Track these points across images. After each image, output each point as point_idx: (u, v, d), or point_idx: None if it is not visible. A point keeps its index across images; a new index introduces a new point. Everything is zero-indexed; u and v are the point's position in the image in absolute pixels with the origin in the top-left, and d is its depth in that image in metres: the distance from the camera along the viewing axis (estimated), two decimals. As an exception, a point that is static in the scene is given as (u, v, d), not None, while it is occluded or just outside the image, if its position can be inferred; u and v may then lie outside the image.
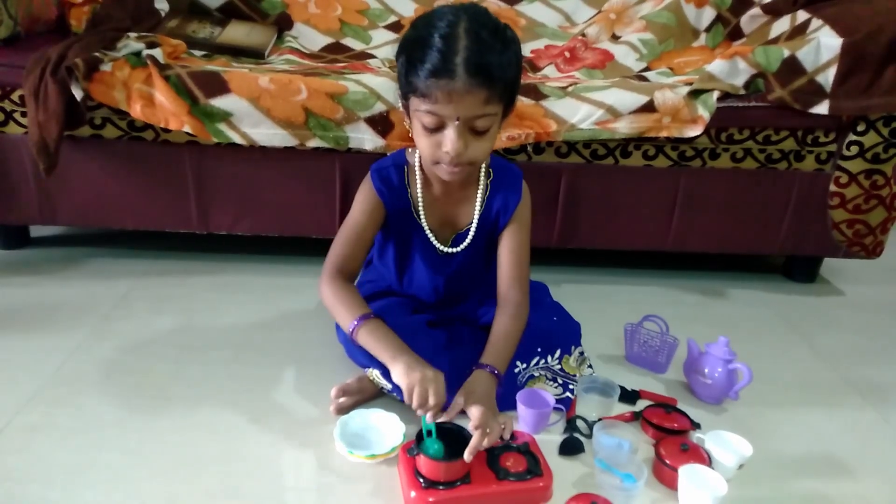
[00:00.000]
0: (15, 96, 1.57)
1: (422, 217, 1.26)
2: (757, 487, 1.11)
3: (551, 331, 1.32)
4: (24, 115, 1.57)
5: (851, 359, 1.54)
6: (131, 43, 1.59)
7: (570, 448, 1.16)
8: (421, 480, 1.01)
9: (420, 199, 1.24)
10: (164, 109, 1.52)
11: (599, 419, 1.21)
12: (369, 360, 1.21)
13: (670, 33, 2.01)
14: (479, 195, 1.26)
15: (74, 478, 1.05)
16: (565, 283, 1.80)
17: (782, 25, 1.77)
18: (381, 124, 1.56)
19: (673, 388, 1.38)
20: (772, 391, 1.38)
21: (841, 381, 1.45)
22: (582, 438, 1.18)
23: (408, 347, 1.12)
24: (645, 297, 1.78)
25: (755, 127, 1.64)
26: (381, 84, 1.56)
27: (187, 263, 1.80)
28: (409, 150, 1.28)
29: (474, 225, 1.26)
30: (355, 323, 1.14)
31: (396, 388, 1.21)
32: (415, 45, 1.05)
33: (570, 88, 1.63)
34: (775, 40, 1.75)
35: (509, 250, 1.27)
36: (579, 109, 1.59)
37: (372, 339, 1.13)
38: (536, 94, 1.60)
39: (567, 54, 2.03)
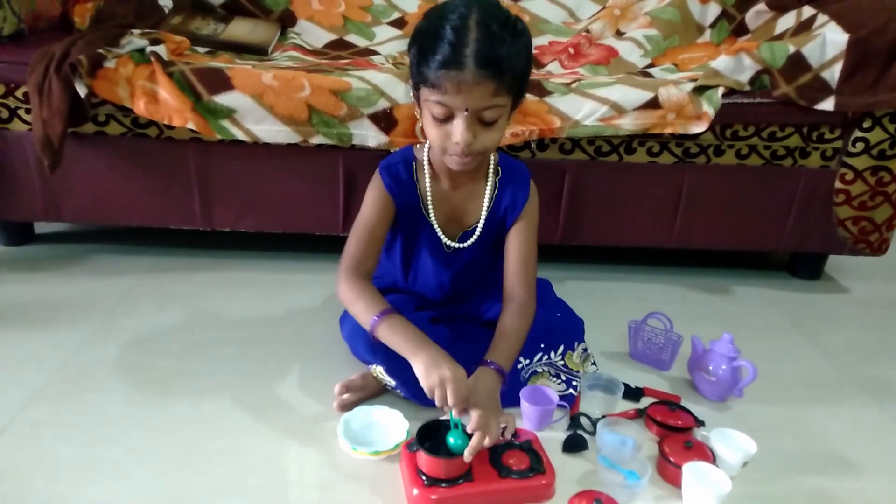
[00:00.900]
0: (19, 93, 1.57)
1: (430, 212, 1.25)
2: (761, 485, 1.10)
3: (555, 327, 1.32)
4: (28, 111, 1.58)
5: (856, 356, 1.53)
6: (135, 40, 1.59)
7: (574, 445, 1.16)
8: (423, 478, 1.01)
9: (429, 195, 1.24)
10: (168, 106, 1.52)
11: (603, 416, 1.21)
12: (373, 356, 1.21)
13: (675, 29, 2.00)
14: (487, 192, 1.25)
15: (79, 473, 1.05)
16: (569, 279, 1.79)
17: (787, 21, 1.76)
18: (385, 121, 1.56)
19: (677, 385, 1.38)
20: (776, 388, 1.37)
21: (846, 379, 1.44)
22: (585, 435, 1.18)
23: (429, 340, 1.10)
24: (649, 294, 1.78)
25: (760, 123, 1.63)
26: (384, 81, 1.56)
27: (191, 260, 1.80)
28: (417, 146, 1.28)
29: (482, 221, 1.26)
30: (375, 319, 1.13)
31: (400, 384, 1.22)
32: (426, 36, 1.05)
33: (574, 85, 1.62)
34: (780, 36, 1.74)
35: (516, 248, 1.27)
36: (583, 106, 1.58)
37: (392, 335, 1.12)
38: (540, 90, 1.60)
39: (571, 50, 2.02)
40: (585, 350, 1.36)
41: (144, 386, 1.27)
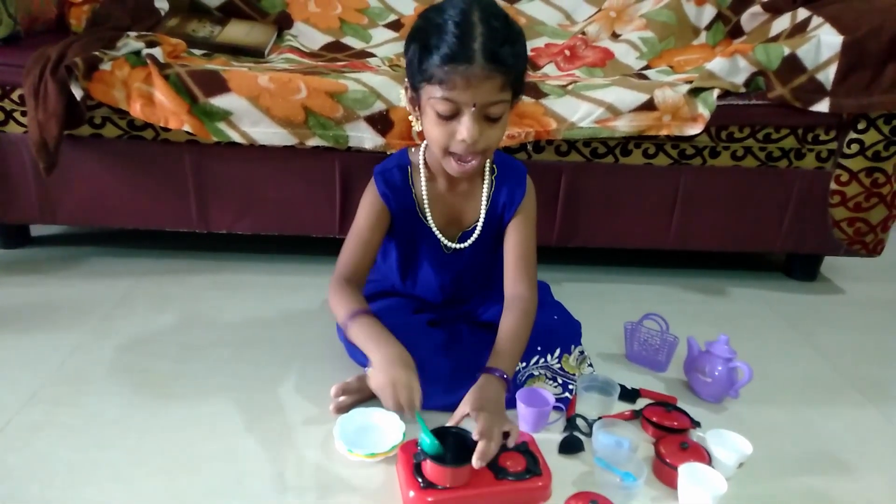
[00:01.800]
0: (15, 95, 1.57)
1: (427, 216, 1.25)
2: (757, 486, 1.11)
3: (551, 330, 1.32)
4: (23, 114, 1.58)
5: (852, 357, 1.54)
6: (131, 42, 1.59)
7: (570, 447, 1.16)
8: (420, 480, 1.01)
9: (425, 198, 1.24)
10: (164, 108, 1.52)
11: (599, 418, 1.21)
12: (368, 358, 1.21)
13: (670, 31, 2.01)
14: (484, 190, 1.25)
15: (76, 476, 1.05)
16: (565, 281, 1.80)
17: (783, 23, 1.77)
18: (381, 123, 1.56)
19: (673, 386, 1.38)
20: (772, 389, 1.38)
21: (841, 380, 1.45)
22: (582, 437, 1.18)
23: (393, 341, 1.11)
24: (645, 296, 1.78)
25: (755, 125, 1.63)
26: (381, 83, 1.56)
27: (188, 262, 1.80)
28: (412, 149, 1.27)
29: (481, 220, 1.26)
30: (348, 319, 1.15)
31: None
32: (428, 32, 1.04)
33: (570, 87, 1.62)
34: (776, 38, 1.75)
35: (515, 244, 1.26)
36: (579, 108, 1.59)
37: (359, 334, 1.13)
38: (536, 92, 1.60)
39: (567, 52, 2.03)
40: (582, 353, 1.36)
41: (141, 388, 1.27)
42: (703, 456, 1.10)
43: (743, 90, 1.62)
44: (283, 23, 2.10)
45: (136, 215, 1.71)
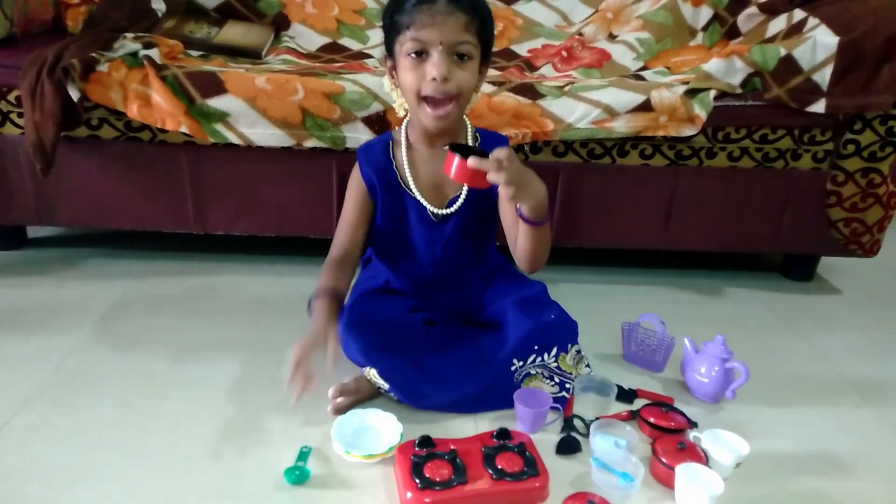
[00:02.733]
0: (11, 97, 1.57)
1: (410, 183, 1.29)
2: (754, 486, 1.11)
3: (548, 328, 1.32)
4: (20, 115, 1.57)
5: (849, 357, 1.54)
6: (128, 43, 1.59)
7: (568, 447, 1.16)
8: (417, 481, 1.01)
9: (406, 168, 1.28)
10: (161, 110, 1.52)
11: (596, 418, 1.21)
12: (366, 358, 1.22)
13: (667, 32, 2.01)
14: None
15: (73, 477, 1.05)
16: (563, 282, 1.80)
17: (779, 24, 1.77)
18: (378, 124, 1.56)
19: (670, 386, 1.38)
20: (769, 389, 1.38)
21: (838, 380, 1.45)
22: (579, 437, 1.19)
23: (324, 318, 1.18)
24: (642, 296, 1.78)
25: (752, 126, 1.64)
26: (378, 84, 1.56)
27: (185, 264, 1.80)
28: (396, 128, 1.34)
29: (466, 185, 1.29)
30: (314, 296, 1.22)
31: (393, 387, 1.22)
32: None
33: (567, 88, 1.63)
34: (772, 39, 1.75)
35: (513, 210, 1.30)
36: (576, 109, 1.59)
37: (314, 311, 1.20)
38: (533, 93, 1.60)
39: (564, 53, 2.03)
40: (579, 352, 1.36)
41: (138, 390, 1.27)
42: (700, 456, 1.10)
43: (739, 91, 1.62)
44: (281, 24, 2.09)
45: (133, 217, 1.71)
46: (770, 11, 1.85)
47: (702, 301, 1.79)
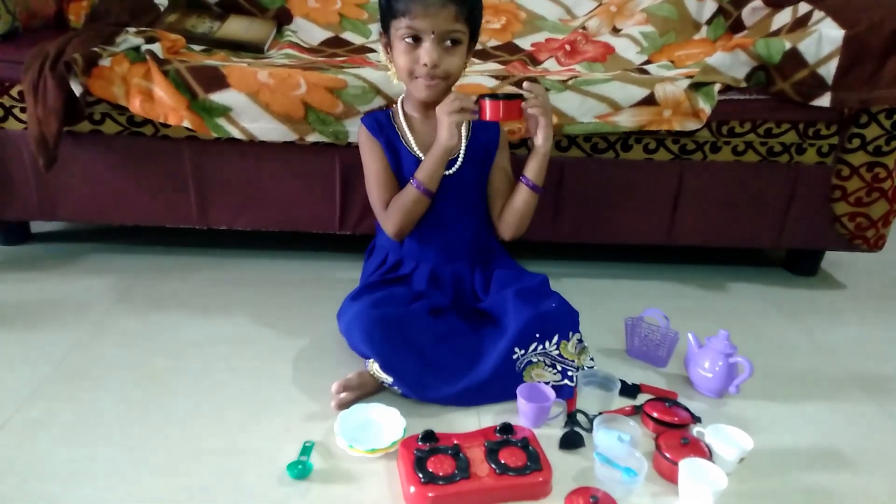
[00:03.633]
0: (14, 92, 1.57)
1: (411, 141, 1.38)
2: (758, 481, 1.11)
3: (549, 316, 1.32)
4: (23, 110, 1.57)
5: (853, 352, 1.54)
6: (130, 38, 1.58)
7: (571, 442, 1.16)
8: (420, 475, 1.01)
9: (406, 128, 1.39)
10: (164, 104, 1.52)
11: (600, 413, 1.21)
12: (369, 349, 1.23)
13: (671, 26, 2.00)
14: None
15: (75, 472, 1.05)
16: (566, 277, 1.79)
17: (784, 17, 1.76)
18: (381, 118, 1.56)
19: (673, 381, 1.38)
20: (773, 385, 1.37)
21: (842, 375, 1.44)
22: (582, 432, 1.18)
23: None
24: (645, 291, 1.78)
25: (756, 120, 1.63)
26: (380, 78, 1.55)
27: (187, 259, 1.80)
28: (394, 105, 1.44)
29: (463, 146, 1.39)
30: (410, 187, 1.33)
31: (396, 380, 1.23)
32: None
33: (570, 82, 1.62)
34: (777, 32, 1.74)
35: (505, 171, 1.45)
36: (580, 103, 1.58)
37: (420, 173, 1.32)
38: (536, 87, 1.60)
39: (568, 47, 2.02)
40: (580, 341, 1.35)
41: (140, 385, 1.27)
42: (704, 451, 1.10)
43: (744, 85, 1.61)
44: (283, 18, 2.09)
45: (135, 212, 1.71)
46: (775, 5, 1.84)
47: (705, 296, 1.78)
